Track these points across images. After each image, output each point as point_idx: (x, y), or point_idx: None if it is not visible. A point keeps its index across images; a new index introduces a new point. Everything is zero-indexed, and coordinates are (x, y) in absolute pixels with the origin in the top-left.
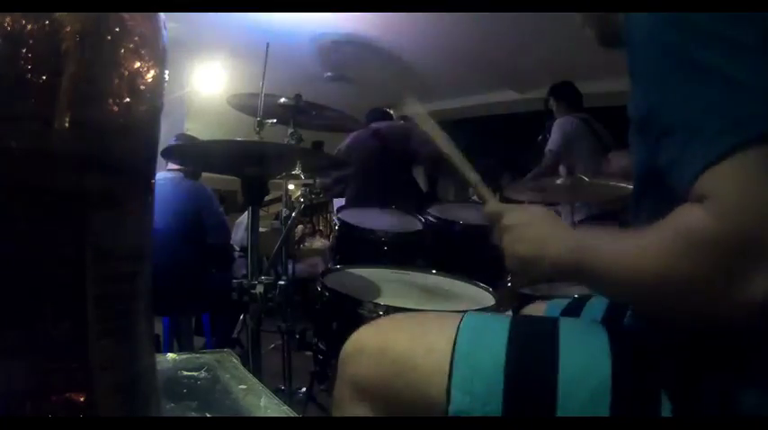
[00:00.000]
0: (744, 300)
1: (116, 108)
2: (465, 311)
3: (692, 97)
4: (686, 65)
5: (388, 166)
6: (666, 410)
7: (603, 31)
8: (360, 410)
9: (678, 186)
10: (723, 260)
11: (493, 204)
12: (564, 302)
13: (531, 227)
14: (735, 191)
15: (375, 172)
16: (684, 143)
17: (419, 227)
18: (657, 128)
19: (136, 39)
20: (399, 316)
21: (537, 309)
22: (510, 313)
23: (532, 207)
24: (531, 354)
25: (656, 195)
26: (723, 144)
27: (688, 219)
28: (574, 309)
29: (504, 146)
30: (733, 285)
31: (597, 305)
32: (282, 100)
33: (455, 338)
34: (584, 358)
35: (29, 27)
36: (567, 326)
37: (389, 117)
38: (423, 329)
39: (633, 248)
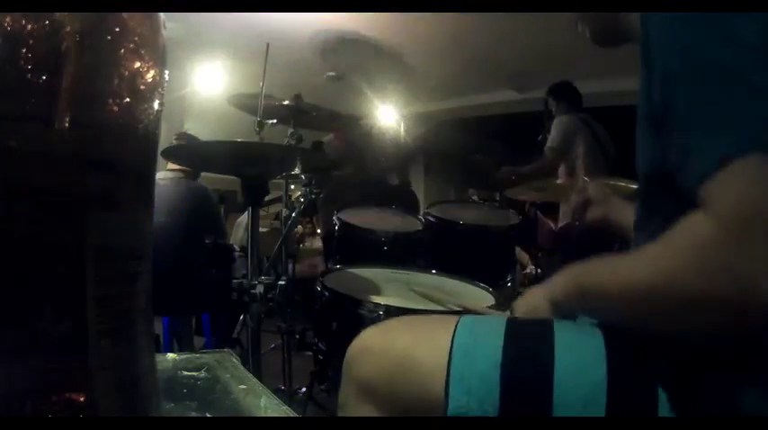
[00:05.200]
0: (756, 306)
1: (116, 108)
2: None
3: (706, 99)
4: (707, 66)
5: None
6: (664, 410)
7: (600, 29)
8: (365, 411)
9: (685, 188)
10: (729, 266)
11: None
12: None
13: (523, 297)
14: (737, 194)
15: None
16: (694, 145)
17: (419, 227)
18: (671, 125)
19: (136, 39)
20: (404, 317)
21: None
22: (509, 313)
23: None
24: (527, 353)
25: (667, 195)
26: (730, 147)
27: (693, 229)
28: None
29: (504, 146)
30: (744, 292)
31: None
32: (283, 101)
33: (452, 337)
34: (579, 357)
35: (29, 27)
36: (562, 325)
37: None
38: (425, 328)
39: (642, 267)
